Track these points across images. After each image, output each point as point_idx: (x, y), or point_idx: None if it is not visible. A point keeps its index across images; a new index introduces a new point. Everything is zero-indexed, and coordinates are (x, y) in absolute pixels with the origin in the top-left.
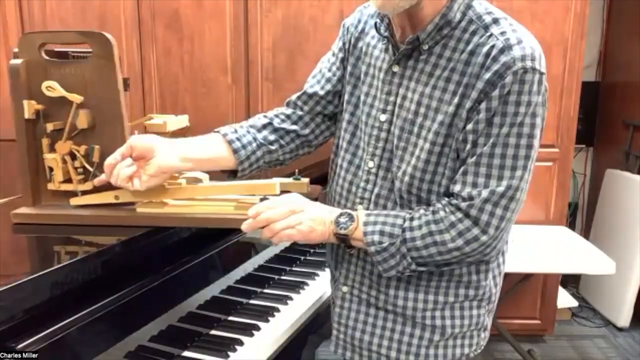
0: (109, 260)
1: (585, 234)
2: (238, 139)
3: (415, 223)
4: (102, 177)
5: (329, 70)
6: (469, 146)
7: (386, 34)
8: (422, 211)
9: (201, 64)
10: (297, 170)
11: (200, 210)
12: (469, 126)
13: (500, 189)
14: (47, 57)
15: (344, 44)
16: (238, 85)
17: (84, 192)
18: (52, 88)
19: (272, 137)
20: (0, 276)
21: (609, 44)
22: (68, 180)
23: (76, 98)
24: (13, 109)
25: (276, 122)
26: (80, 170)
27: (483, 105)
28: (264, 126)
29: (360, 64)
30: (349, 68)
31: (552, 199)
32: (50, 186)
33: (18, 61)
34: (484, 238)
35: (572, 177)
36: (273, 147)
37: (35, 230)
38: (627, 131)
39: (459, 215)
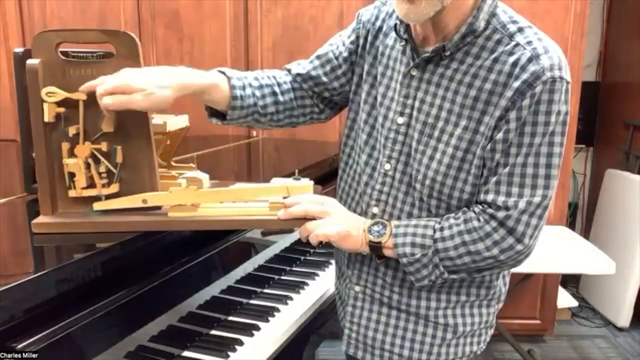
0: (109, 260)
1: (585, 234)
2: (241, 97)
3: (447, 233)
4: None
5: (336, 58)
6: (498, 155)
7: (405, 36)
8: (452, 220)
9: (201, 64)
10: (297, 170)
11: (234, 212)
12: (499, 135)
13: (537, 199)
14: (64, 57)
15: (357, 37)
16: None
17: (107, 197)
18: (53, 93)
19: (270, 110)
20: (0, 276)
21: (609, 44)
22: (90, 185)
23: (81, 96)
24: (31, 111)
25: (280, 97)
26: (104, 174)
27: (512, 115)
28: (268, 95)
29: (377, 64)
30: (365, 67)
31: (552, 200)
32: (72, 193)
33: (35, 61)
34: (519, 247)
35: (572, 177)
36: (265, 119)
37: (57, 240)
38: (627, 131)
39: (494, 224)
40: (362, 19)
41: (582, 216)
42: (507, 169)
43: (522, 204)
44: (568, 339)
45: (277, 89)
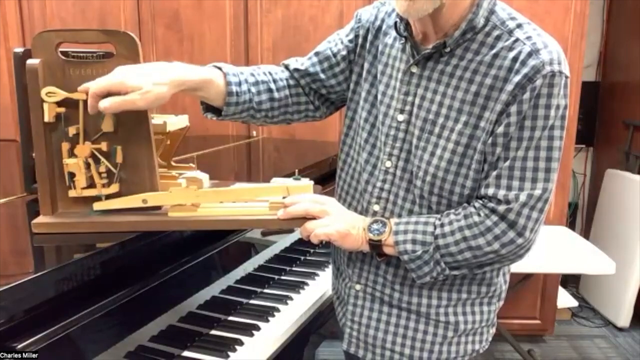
0: (109, 260)
1: (585, 234)
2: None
3: (447, 229)
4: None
5: (335, 56)
6: (499, 149)
7: (405, 33)
8: (452, 216)
9: (201, 64)
10: (297, 170)
11: (234, 212)
12: (500, 129)
13: (538, 192)
14: (64, 57)
15: (356, 36)
16: None
17: (108, 197)
18: (53, 93)
19: (265, 106)
20: (0, 276)
21: (609, 44)
22: (90, 185)
23: (81, 96)
24: (31, 111)
25: (275, 94)
26: (105, 174)
27: (513, 109)
28: (263, 91)
29: (377, 62)
30: (366, 65)
31: (552, 199)
32: (72, 193)
33: (35, 61)
34: (519, 240)
35: (572, 177)
36: (260, 115)
37: (57, 240)
38: (627, 131)
39: (495, 218)
40: (361, 18)
41: (582, 216)
42: (507, 163)
43: (523, 197)
44: (568, 339)
45: (272, 86)
